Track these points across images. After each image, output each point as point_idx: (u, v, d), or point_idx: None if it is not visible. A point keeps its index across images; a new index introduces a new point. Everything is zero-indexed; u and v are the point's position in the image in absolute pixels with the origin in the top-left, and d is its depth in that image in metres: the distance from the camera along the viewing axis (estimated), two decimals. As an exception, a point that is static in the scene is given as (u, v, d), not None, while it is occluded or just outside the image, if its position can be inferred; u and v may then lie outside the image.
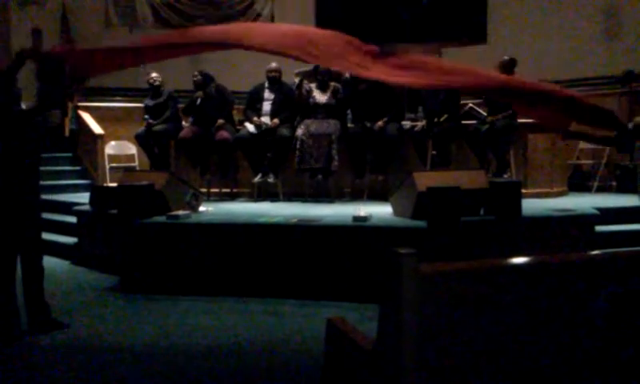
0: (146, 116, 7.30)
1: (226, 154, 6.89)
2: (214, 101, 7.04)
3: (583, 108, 3.70)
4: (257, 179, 6.75)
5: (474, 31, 9.93)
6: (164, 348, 3.74)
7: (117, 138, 8.59)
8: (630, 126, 3.76)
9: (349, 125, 6.87)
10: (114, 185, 6.41)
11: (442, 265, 1.80)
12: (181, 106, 7.48)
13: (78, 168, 8.95)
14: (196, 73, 7.27)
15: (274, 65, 6.96)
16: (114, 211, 5.47)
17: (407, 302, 1.68)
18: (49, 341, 3.85)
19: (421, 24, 10.08)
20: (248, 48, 3.75)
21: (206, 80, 7.14)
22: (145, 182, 5.35)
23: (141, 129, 7.26)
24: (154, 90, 7.45)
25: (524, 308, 1.85)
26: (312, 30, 4.14)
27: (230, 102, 7.24)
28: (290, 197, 6.78)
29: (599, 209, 5.50)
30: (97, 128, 8.59)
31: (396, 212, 5.38)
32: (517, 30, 9.42)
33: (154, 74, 7.45)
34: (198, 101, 7.08)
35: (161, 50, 4.11)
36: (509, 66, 6.60)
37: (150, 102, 7.44)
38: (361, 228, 4.87)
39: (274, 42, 3.67)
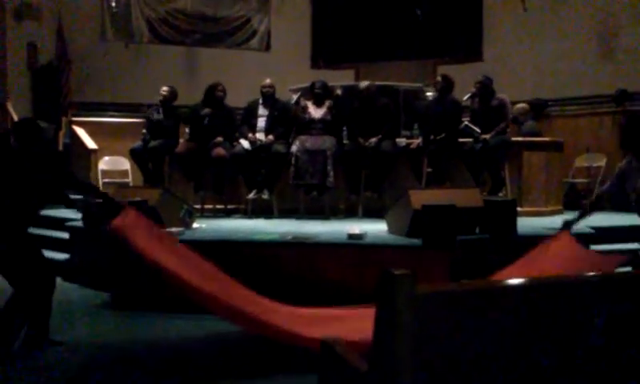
0: (144, 130, 7.22)
1: (222, 171, 6.86)
2: (221, 121, 6.98)
3: None
4: (251, 195, 6.72)
5: (469, 48, 9.98)
6: (157, 365, 3.70)
7: (110, 154, 8.56)
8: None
9: (344, 141, 6.86)
10: (107, 200, 6.34)
11: (438, 286, 1.79)
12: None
13: (71, 183, 8.88)
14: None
15: (267, 81, 6.97)
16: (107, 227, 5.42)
17: (402, 324, 1.65)
18: (43, 358, 3.78)
19: (416, 40, 10.12)
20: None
21: (210, 98, 7.04)
22: (138, 198, 5.30)
23: (137, 143, 7.21)
24: (162, 105, 7.29)
25: (519, 329, 1.83)
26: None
27: (237, 122, 7.13)
28: (285, 213, 6.74)
29: (594, 228, 5.49)
30: (90, 143, 8.56)
31: (391, 229, 5.36)
32: (512, 48, 9.48)
33: (165, 88, 7.30)
34: (206, 120, 6.98)
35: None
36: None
37: (154, 116, 7.30)
38: (356, 245, 4.83)
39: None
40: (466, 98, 6.88)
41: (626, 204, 4.18)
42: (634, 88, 8.32)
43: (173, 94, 7.32)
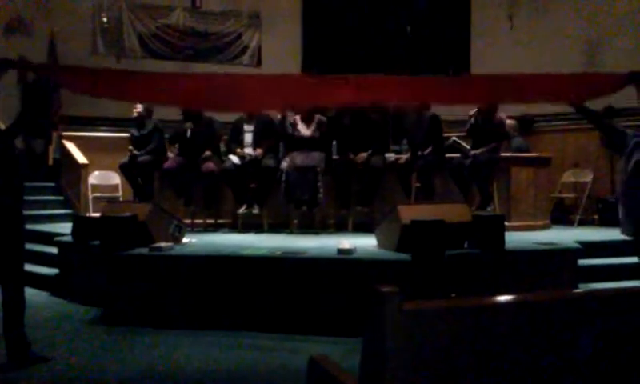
0: (130, 147, 7.27)
1: (212, 186, 6.87)
2: (202, 132, 7.03)
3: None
4: (241, 210, 6.73)
5: (457, 62, 10.08)
6: (144, 382, 3.67)
7: (101, 168, 8.54)
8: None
9: (333, 157, 6.90)
10: (97, 215, 6.35)
11: (426, 303, 1.79)
12: (167, 136, 7.47)
13: (60, 198, 8.86)
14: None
15: (248, 96, 7.01)
16: (97, 242, 5.42)
17: (390, 342, 1.66)
18: (27, 376, 3.75)
19: (405, 55, 10.22)
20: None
21: (188, 112, 7.10)
22: (128, 213, 5.31)
23: (125, 159, 7.23)
24: (139, 121, 7.44)
25: (507, 346, 1.84)
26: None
27: (218, 134, 7.22)
28: (275, 228, 6.75)
29: (582, 242, 5.54)
30: (81, 157, 8.53)
31: (381, 244, 5.38)
32: (499, 61, 9.56)
33: (139, 106, 7.43)
34: (188, 132, 7.04)
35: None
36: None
37: (135, 133, 7.43)
38: (346, 260, 4.86)
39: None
40: (472, 112, 6.89)
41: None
42: (620, 104, 8.43)
43: (146, 111, 7.42)
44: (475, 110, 6.85)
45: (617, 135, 3.98)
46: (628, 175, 3.73)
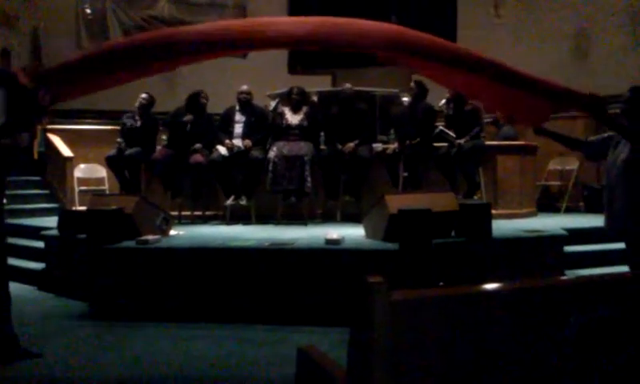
0: (119, 139, 7.16)
1: (200, 178, 6.83)
2: (203, 127, 6.95)
3: (558, 93, 3.81)
4: (229, 202, 6.71)
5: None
6: (133, 376, 3.66)
7: (86, 161, 8.48)
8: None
9: (321, 147, 6.89)
10: (83, 209, 6.30)
11: (413, 292, 1.80)
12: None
13: (46, 192, 8.79)
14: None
15: (244, 87, 6.98)
16: (83, 236, 5.38)
17: (377, 332, 1.66)
18: (15, 372, 3.72)
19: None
20: (261, 45, 3.55)
21: (193, 104, 7.02)
22: (114, 206, 5.28)
23: (112, 151, 7.16)
24: (141, 111, 7.22)
25: (494, 334, 1.85)
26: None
27: (215, 129, 7.07)
28: (263, 219, 6.74)
29: (568, 229, 5.59)
30: (66, 151, 8.47)
31: (368, 234, 5.39)
32: (486, 51, 9.57)
33: (143, 95, 7.26)
34: (188, 126, 6.94)
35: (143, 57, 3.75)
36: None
37: (131, 123, 7.22)
38: (334, 251, 4.86)
39: (295, 31, 3.52)
40: (441, 103, 6.96)
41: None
42: (607, 92, 8.47)
43: (151, 101, 7.29)
44: (444, 101, 6.88)
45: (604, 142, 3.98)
46: (616, 174, 3.74)
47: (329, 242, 4.95)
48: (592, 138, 4.25)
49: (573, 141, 4.34)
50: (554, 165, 8.21)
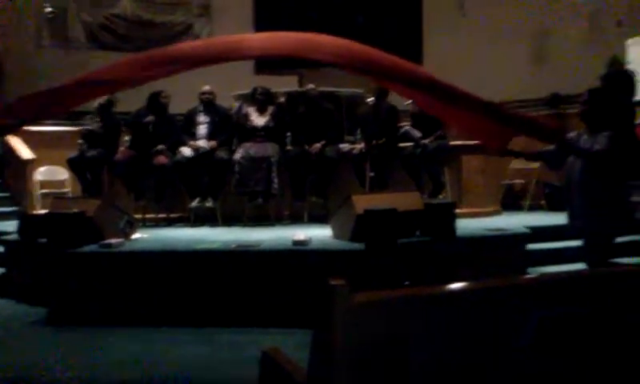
0: (81, 141, 7.01)
1: (163, 179, 6.74)
2: (165, 128, 6.84)
3: (520, 121, 3.88)
4: (194, 204, 6.64)
5: (409, 53, 10.14)
6: (91, 380, 3.60)
7: (48, 163, 8.28)
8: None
9: (288, 147, 6.87)
10: (44, 212, 6.16)
11: (377, 293, 1.80)
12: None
13: (6, 194, 8.56)
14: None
15: (206, 87, 6.91)
16: (44, 240, 5.26)
17: (338, 336, 1.66)
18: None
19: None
20: (247, 55, 3.71)
21: (154, 104, 6.90)
22: (76, 210, 5.17)
23: (74, 153, 7.01)
24: (101, 112, 7.09)
25: (456, 335, 1.86)
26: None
27: (178, 130, 6.99)
28: (229, 221, 6.68)
29: (530, 227, 5.69)
30: (26, 153, 8.26)
31: (335, 234, 5.40)
32: (451, 54, 9.71)
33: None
34: (150, 127, 6.82)
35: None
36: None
37: (92, 126, 7.08)
38: (301, 252, 4.85)
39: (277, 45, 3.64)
40: (407, 102, 7.00)
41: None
42: (566, 91, 8.66)
43: (111, 101, 7.15)
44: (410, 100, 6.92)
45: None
46: (575, 176, 3.84)
47: (296, 243, 4.94)
48: (547, 149, 4.33)
49: (534, 155, 4.49)
50: (516, 164, 8.33)
